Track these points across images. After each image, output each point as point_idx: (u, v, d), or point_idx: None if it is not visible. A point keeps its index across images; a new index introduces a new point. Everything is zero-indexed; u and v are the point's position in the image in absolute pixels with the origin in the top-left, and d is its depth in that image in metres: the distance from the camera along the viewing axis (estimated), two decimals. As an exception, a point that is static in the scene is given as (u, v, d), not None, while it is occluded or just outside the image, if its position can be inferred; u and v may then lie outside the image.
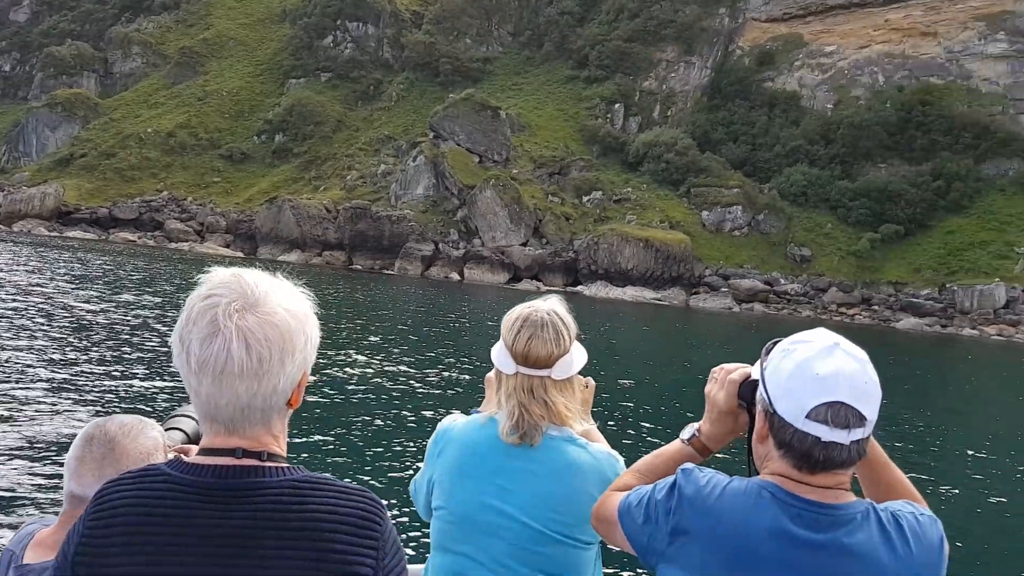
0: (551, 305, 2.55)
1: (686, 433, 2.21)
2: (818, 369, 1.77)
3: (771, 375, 1.85)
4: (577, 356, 2.53)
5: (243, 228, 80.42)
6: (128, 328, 21.53)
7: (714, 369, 2.19)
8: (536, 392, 2.46)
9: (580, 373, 2.61)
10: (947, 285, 71.90)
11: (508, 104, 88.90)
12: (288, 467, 1.59)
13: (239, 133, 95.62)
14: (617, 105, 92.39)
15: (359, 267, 73.41)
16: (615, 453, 2.55)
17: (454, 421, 2.62)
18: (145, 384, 15.03)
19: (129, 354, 17.80)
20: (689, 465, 1.97)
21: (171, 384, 15.06)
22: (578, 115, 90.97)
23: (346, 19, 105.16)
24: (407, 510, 8.23)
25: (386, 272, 71.94)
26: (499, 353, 2.53)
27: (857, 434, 1.77)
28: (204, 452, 1.60)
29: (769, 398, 1.84)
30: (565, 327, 2.51)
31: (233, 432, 1.58)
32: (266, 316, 1.54)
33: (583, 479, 2.43)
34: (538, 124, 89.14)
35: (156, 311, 25.92)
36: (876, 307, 71.65)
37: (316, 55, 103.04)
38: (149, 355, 17.91)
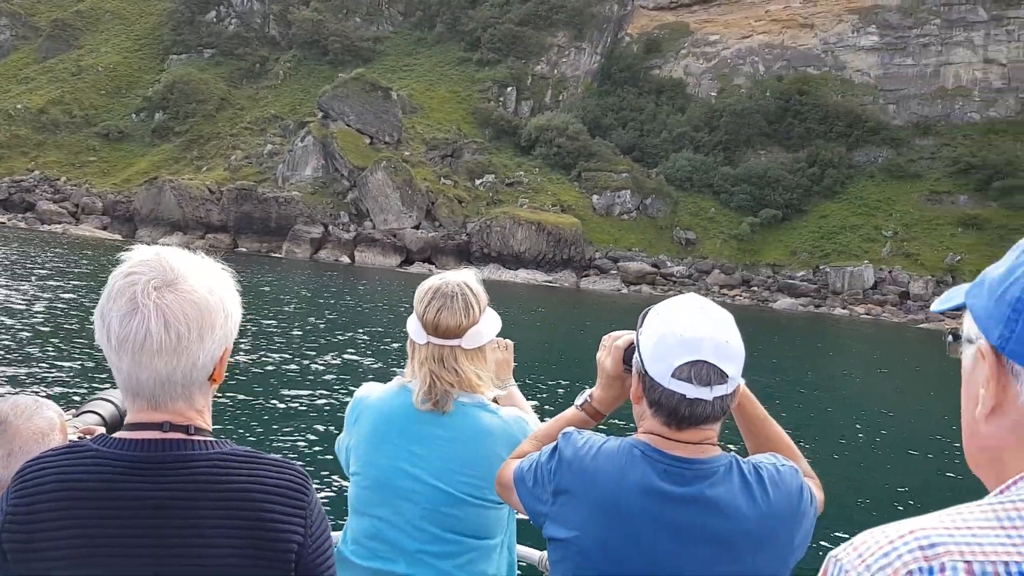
0: (462, 277, 2.63)
1: (580, 399, 2.34)
2: (683, 331, 1.88)
3: (643, 339, 1.96)
4: (488, 325, 2.61)
5: (121, 210, 76.86)
6: (7, 314, 20.44)
7: (604, 337, 2.31)
8: (447, 361, 2.54)
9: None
10: (820, 267, 75.28)
11: (399, 85, 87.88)
12: (215, 440, 1.63)
13: (116, 111, 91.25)
14: (509, 88, 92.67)
15: (244, 250, 71.30)
16: (526, 416, 2.66)
17: (370, 390, 2.69)
18: (38, 370, 14.38)
19: (20, 341, 16.97)
20: (570, 429, 2.09)
21: (66, 370, 14.47)
22: (470, 98, 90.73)
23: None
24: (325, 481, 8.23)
25: (273, 255, 70.19)
26: (412, 324, 2.60)
27: (720, 391, 1.87)
28: (130, 427, 1.62)
29: (642, 360, 1.94)
30: (475, 298, 2.59)
31: (157, 407, 1.60)
32: (185, 294, 1.56)
33: (493, 442, 2.53)
34: (430, 106, 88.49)
35: (35, 296, 24.67)
36: (755, 288, 74.41)
37: (198, 30, 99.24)
38: (38, 341, 17.12)
